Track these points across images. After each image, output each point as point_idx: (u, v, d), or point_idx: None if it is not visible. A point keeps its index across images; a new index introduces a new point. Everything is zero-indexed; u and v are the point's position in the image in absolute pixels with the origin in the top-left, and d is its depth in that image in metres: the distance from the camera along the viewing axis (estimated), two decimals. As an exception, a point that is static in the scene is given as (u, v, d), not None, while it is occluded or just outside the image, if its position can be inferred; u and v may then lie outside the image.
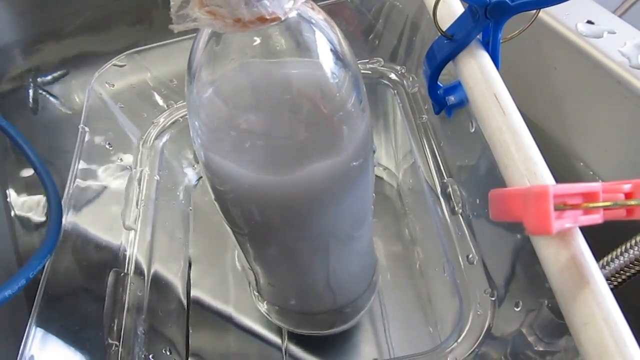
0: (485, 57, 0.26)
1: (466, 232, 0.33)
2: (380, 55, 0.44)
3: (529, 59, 0.45)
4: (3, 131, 0.31)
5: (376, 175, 0.45)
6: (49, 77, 0.55)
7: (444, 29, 0.27)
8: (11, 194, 0.45)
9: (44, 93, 0.53)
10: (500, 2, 0.24)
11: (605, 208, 0.18)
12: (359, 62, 0.44)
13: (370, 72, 0.43)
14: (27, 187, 0.46)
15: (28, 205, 0.45)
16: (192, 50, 0.23)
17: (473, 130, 0.33)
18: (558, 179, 0.41)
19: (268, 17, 0.20)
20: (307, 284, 0.33)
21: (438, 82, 0.30)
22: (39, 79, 0.55)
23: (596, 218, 0.18)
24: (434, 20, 0.27)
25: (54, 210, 0.28)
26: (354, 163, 0.25)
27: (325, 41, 0.23)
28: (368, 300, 0.38)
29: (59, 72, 0.55)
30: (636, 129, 0.39)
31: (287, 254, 0.30)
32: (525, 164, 0.22)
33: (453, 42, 0.27)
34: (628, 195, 0.19)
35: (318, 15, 0.23)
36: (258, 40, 0.22)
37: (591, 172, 0.43)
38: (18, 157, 0.46)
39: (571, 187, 0.18)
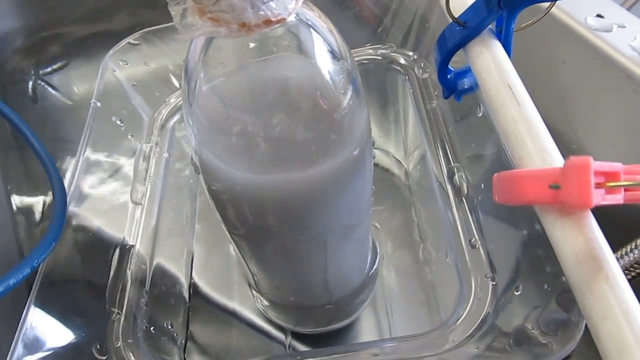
0: (498, 47, 0.26)
1: (470, 217, 0.33)
2: (392, 40, 0.44)
3: (537, 52, 0.45)
4: (5, 117, 0.31)
5: (383, 165, 0.45)
6: (49, 69, 0.55)
7: (456, 16, 0.28)
8: (13, 184, 0.45)
9: (43, 83, 0.53)
10: (515, -8, 0.25)
11: (626, 188, 0.18)
12: (371, 46, 0.44)
13: (381, 57, 0.43)
14: (29, 178, 0.46)
15: (30, 194, 0.45)
16: (189, 52, 0.23)
17: (480, 114, 0.34)
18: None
19: (274, 20, 0.20)
20: (305, 280, 0.33)
21: (449, 66, 0.30)
22: (40, 70, 0.55)
23: (618, 198, 0.18)
24: (446, 7, 0.27)
25: (59, 200, 0.28)
26: (352, 161, 0.25)
27: (321, 40, 0.23)
28: (369, 293, 0.38)
29: (59, 63, 0.55)
30: (646, 125, 0.39)
31: (284, 251, 0.30)
32: (541, 155, 0.22)
33: (465, 29, 0.27)
34: (647, 178, 0.19)
35: (313, 13, 0.23)
36: (255, 42, 0.22)
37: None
38: (20, 147, 0.47)
39: (599, 164, 0.18)
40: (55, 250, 0.28)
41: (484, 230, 0.32)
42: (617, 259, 0.29)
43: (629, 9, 0.63)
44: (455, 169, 0.35)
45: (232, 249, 0.40)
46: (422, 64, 0.42)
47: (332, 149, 0.24)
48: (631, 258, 0.29)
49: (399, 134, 0.45)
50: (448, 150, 0.37)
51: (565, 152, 0.44)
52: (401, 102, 0.44)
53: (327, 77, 0.23)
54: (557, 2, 0.26)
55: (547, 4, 0.27)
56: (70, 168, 0.45)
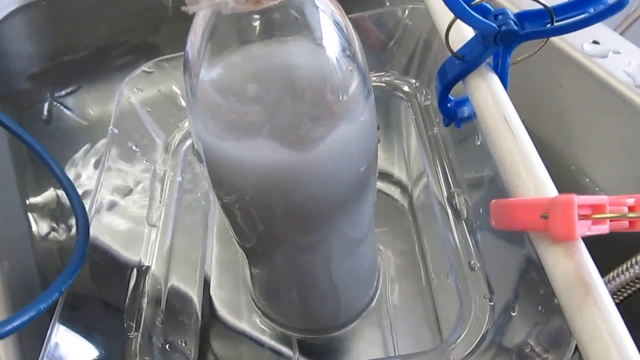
0: (495, 80, 0.28)
1: (469, 240, 0.35)
2: (395, 68, 0.45)
3: (536, 76, 0.46)
4: (28, 145, 0.33)
5: (387, 186, 0.46)
6: (63, 92, 0.57)
7: (455, 49, 0.29)
8: (32, 205, 0.47)
9: (58, 105, 0.55)
10: (510, 31, 0.26)
11: (612, 219, 0.20)
12: (374, 74, 0.46)
13: (384, 84, 0.44)
14: (47, 200, 0.47)
15: (49, 215, 0.46)
16: (190, 35, 0.23)
17: (479, 143, 0.35)
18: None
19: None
20: (308, 282, 0.34)
21: (449, 96, 0.32)
22: (55, 93, 0.56)
23: (604, 228, 0.20)
24: (446, 42, 0.29)
25: (82, 226, 0.29)
26: (356, 142, 0.25)
27: (328, 20, 0.23)
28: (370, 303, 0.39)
29: (73, 86, 0.57)
30: (641, 146, 0.40)
31: (288, 253, 0.31)
32: (535, 184, 0.23)
33: (464, 63, 0.29)
34: (631, 209, 0.20)
35: None
36: (258, 22, 0.22)
37: (597, 188, 0.44)
38: (36, 169, 0.48)
39: (584, 198, 0.19)
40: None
41: (482, 253, 0.34)
42: (607, 282, 0.31)
43: (622, 34, 0.65)
44: (456, 194, 0.37)
45: (243, 268, 0.41)
46: (424, 92, 0.43)
47: (338, 129, 0.24)
48: (622, 280, 0.31)
49: (402, 156, 0.47)
50: (449, 175, 0.38)
51: (565, 172, 0.46)
52: (404, 127, 0.45)
53: (333, 59, 0.23)
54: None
55: (541, 40, 0.28)
56: (86, 189, 0.47)
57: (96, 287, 0.31)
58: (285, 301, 0.37)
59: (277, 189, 0.25)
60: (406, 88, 0.44)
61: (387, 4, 0.64)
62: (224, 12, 0.20)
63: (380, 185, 0.46)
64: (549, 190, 0.23)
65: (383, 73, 0.45)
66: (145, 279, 0.34)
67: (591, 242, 0.21)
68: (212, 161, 0.25)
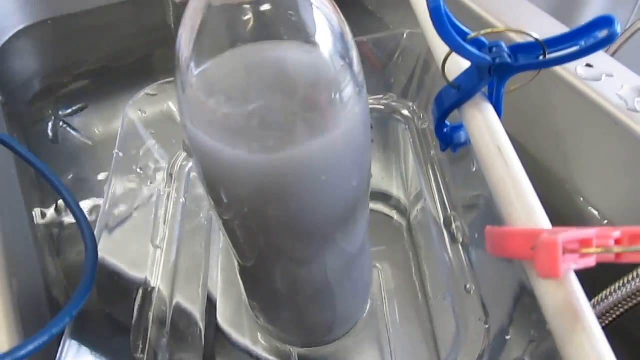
0: (489, 110, 0.29)
1: (465, 263, 0.36)
2: (393, 91, 0.46)
3: (531, 97, 0.47)
4: (39, 171, 0.34)
5: (384, 205, 0.47)
6: (69, 110, 0.58)
7: (451, 78, 0.30)
8: (39, 224, 0.47)
9: (64, 124, 0.56)
10: (504, 63, 0.27)
11: (598, 254, 0.21)
12: (373, 97, 0.47)
13: (383, 107, 0.45)
14: (54, 218, 0.48)
15: (55, 233, 0.47)
16: (180, 30, 0.23)
17: (474, 169, 0.36)
18: (559, 214, 0.44)
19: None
20: (298, 290, 0.33)
21: (445, 122, 0.33)
22: (59, 112, 0.57)
23: (590, 261, 0.21)
24: (442, 73, 0.30)
25: (90, 249, 0.30)
26: (348, 142, 0.25)
27: (321, 16, 0.23)
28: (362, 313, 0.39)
29: (78, 105, 0.58)
30: (633, 169, 0.41)
31: (277, 256, 0.30)
32: (527, 212, 0.24)
33: (459, 92, 0.29)
34: (617, 241, 0.21)
35: None
36: (249, 16, 0.22)
37: (590, 208, 0.45)
38: (43, 187, 0.49)
39: (570, 234, 0.20)
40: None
41: (478, 277, 0.34)
42: (597, 303, 0.31)
43: (613, 55, 0.66)
44: (452, 217, 0.38)
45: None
46: (422, 115, 0.44)
47: (328, 127, 0.24)
48: (611, 301, 0.31)
49: (400, 177, 0.47)
50: (445, 198, 0.39)
51: (560, 191, 0.46)
52: (402, 149, 0.46)
53: (325, 56, 0.23)
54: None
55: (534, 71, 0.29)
56: (91, 210, 0.47)
57: (103, 307, 0.32)
58: (277, 311, 0.37)
59: (265, 188, 0.25)
60: (404, 111, 0.45)
61: (390, 26, 0.66)
62: (214, 3, 0.21)
63: (379, 204, 0.47)
64: (541, 219, 0.24)
65: (381, 96, 0.46)
66: (150, 300, 0.35)
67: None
68: (200, 157, 0.25)
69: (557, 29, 0.49)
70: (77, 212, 0.31)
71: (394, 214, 0.46)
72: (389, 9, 0.66)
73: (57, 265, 0.44)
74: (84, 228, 0.30)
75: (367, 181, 0.30)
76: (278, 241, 0.29)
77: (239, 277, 0.36)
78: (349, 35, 0.25)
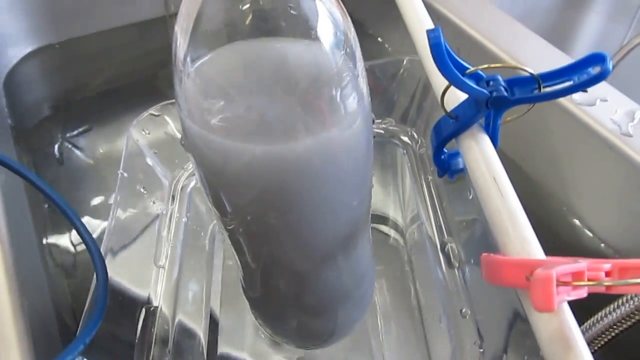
0: (485, 141, 0.30)
1: (461, 287, 0.36)
2: (393, 116, 0.47)
3: (528, 120, 0.47)
4: (49, 198, 0.34)
5: (382, 226, 0.48)
6: (75, 132, 0.59)
7: (449, 108, 0.31)
8: (48, 245, 0.48)
9: (70, 145, 0.57)
10: (501, 97, 0.28)
11: (590, 286, 0.22)
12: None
13: (382, 131, 0.46)
14: (62, 240, 0.49)
15: (64, 255, 0.48)
16: (177, 19, 0.23)
17: (471, 197, 0.37)
18: (556, 235, 0.45)
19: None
20: (299, 281, 0.32)
21: (443, 149, 0.34)
22: (66, 133, 0.58)
23: (582, 292, 0.21)
24: (441, 104, 0.31)
25: (101, 278, 0.31)
26: (347, 137, 0.25)
27: (323, 9, 0.23)
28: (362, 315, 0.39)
29: (83, 127, 0.59)
30: (627, 191, 0.42)
31: (277, 255, 0.30)
32: (521, 243, 0.25)
33: (457, 122, 0.30)
34: (608, 274, 0.22)
35: None
36: (248, 6, 0.21)
37: (586, 229, 0.46)
38: (52, 210, 0.50)
39: (564, 268, 0.21)
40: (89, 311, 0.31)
41: (473, 301, 0.35)
42: (589, 327, 0.32)
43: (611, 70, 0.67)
44: (448, 242, 0.39)
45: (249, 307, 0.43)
46: (420, 141, 0.45)
47: (329, 121, 0.23)
48: (604, 323, 0.32)
49: (398, 199, 0.48)
50: (442, 223, 0.40)
51: (556, 212, 0.47)
52: (400, 173, 0.47)
53: (327, 50, 0.23)
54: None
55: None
56: (95, 229, 0.48)
57: (107, 327, 0.33)
58: (278, 311, 0.37)
59: (265, 183, 0.24)
60: (402, 136, 0.46)
61: (389, 49, 0.67)
62: None
63: (376, 225, 0.48)
64: (535, 250, 0.25)
65: (380, 121, 0.47)
66: (153, 319, 0.36)
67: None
68: (197, 152, 0.25)
69: (552, 53, 0.50)
70: (88, 240, 0.32)
71: (391, 234, 0.47)
72: (389, 33, 0.68)
73: (65, 286, 0.45)
74: (95, 257, 0.31)
75: (368, 188, 0.30)
76: (278, 241, 0.29)
77: (241, 280, 0.36)
78: (350, 29, 0.24)
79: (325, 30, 0.23)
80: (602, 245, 0.45)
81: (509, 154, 0.52)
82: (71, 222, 0.33)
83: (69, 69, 0.66)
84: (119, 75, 0.66)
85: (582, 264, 0.21)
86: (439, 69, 0.27)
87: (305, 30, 0.22)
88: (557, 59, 0.49)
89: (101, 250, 0.33)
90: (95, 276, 0.31)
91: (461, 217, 0.40)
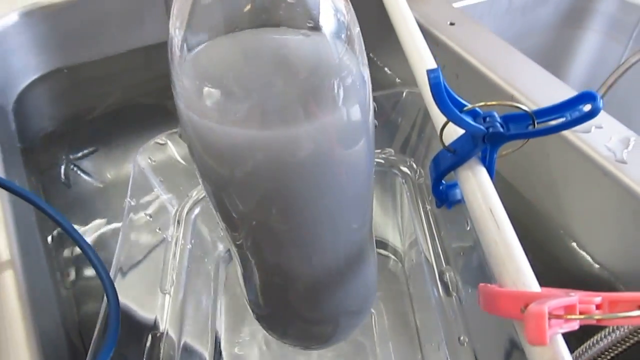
0: (482, 173, 0.31)
1: (458, 315, 0.37)
2: (393, 146, 0.48)
3: (526, 145, 0.49)
4: (60, 227, 0.35)
5: (381, 252, 0.49)
6: (80, 154, 0.60)
7: (448, 142, 0.32)
8: (58, 265, 0.49)
9: (75, 168, 0.58)
10: (497, 133, 0.29)
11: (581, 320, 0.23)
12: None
13: (382, 161, 0.47)
14: (71, 261, 0.50)
15: (72, 276, 0.49)
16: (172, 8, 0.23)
17: (468, 228, 0.38)
18: (554, 257, 0.46)
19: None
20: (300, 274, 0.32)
21: (442, 181, 0.35)
22: (71, 156, 0.59)
23: (574, 325, 0.22)
24: (440, 138, 0.32)
25: (113, 306, 0.32)
26: (348, 123, 0.25)
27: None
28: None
29: (89, 149, 0.60)
30: (622, 216, 0.43)
31: (276, 239, 0.29)
32: (516, 274, 0.26)
33: (455, 156, 0.32)
34: (598, 306, 0.23)
35: None
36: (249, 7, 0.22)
37: (583, 252, 0.47)
38: (61, 233, 0.51)
39: (556, 302, 0.22)
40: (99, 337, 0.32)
41: (471, 329, 0.36)
42: (582, 353, 0.33)
43: (609, 88, 0.68)
44: (446, 271, 0.40)
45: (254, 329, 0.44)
46: (418, 171, 0.46)
47: (329, 107, 0.23)
48: (596, 349, 0.33)
49: (397, 225, 0.49)
50: (440, 252, 0.41)
51: (553, 235, 0.48)
52: (399, 201, 0.48)
53: (327, 38, 0.23)
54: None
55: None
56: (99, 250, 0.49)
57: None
58: (278, 312, 0.36)
59: (262, 170, 0.24)
60: (402, 166, 0.47)
61: (398, 81, 0.68)
62: None
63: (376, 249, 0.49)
64: (529, 279, 0.26)
65: (380, 151, 0.48)
66: (159, 344, 0.36)
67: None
68: (193, 137, 0.25)
69: (548, 80, 0.51)
70: (101, 270, 0.33)
71: (390, 258, 0.48)
72: (398, 65, 0.69)
73: (74, 309, 0.46)
74: (107, 286, 0.32)
75: (369, 183, 0.30)
76: (278, 238, 0.28)
77: (240, 279, 0.36)
78: (354, 22, 0.24)
79: (326, 19, 0.23)
80: (598, 267, 0.46)
81: (507, 177, 0.53)
82: (83, 250, 0.34)
83: (76, 93, 0.67)
84: (125, 99, 0.67)
85: (574, 297, 0.22)
86: (439, 108, 0.28)
87: (304, 19, 0.23)
88: (552, 86, 0.50)
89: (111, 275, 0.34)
90: (104, 302, 0.32)
91: (459, 245, 0.41)
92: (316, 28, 0.22)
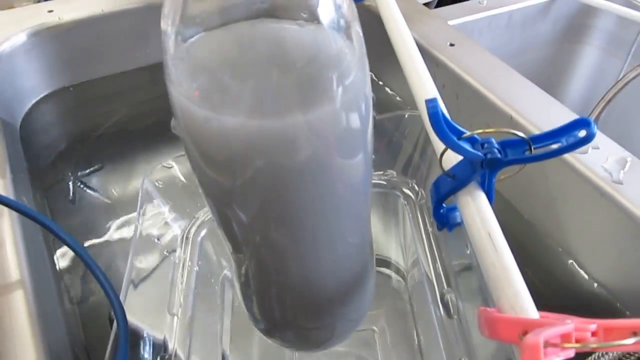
0: (481, 198, 0.32)
1: (459, 337, 0.38)
2: (395, 168, 0.49)
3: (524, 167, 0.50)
4: (65, 243, 0.36)
5: (384, 270, 0.50)
6: (87, 171, 0.61)
7: (447, 167, 0.33)
8: (65, 285, 0.50)
9: (81, 185, 0.59)
10: (494, 159, 0.30)
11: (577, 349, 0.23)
12: (374, 173, 0.49)
13: (384, 182, 0.48)
14: (77, 279, 0.51)
15: (78, 293, 0.50)
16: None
17: (468, 252, 0.39)
18: (552, 275, 0.46)
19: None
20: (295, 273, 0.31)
21: (442, 204, 0.36)
22: (77, 173, 0.60)
23: (570, 353, 0.23)
24: (440, 164, 0.33)
25: (122, 328, 0.32)
26: (346, 114, 0.24)
27: None
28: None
29: (95, 166, 0.61)
30: (619, 236, 0.43)
31: (267, 243, 0.29)
32: (514, 298, 0.27)
33: (455, 180, 0.33)
34: (594, 333, 0.24)
35: None
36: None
37: (581, 270, 0.48)
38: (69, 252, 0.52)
39: (552, 331, 0.23)
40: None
41: (472, 352, 0.37)
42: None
43: (608, 103, 0.69)
44: (447, 292, 0.40)
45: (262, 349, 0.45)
46: (420, 193, 0.47)
47: (325, 96, 0.23)
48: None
49: (399, 243, 0.50)
50: (441, 273, 0.41)
51: (552, 254, 0.49)
52: (401, 220, 0.49)
53: (325, 29, 0.22)
54: (539, 125, 0.31)
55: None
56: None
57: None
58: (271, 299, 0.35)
59: (254, 161, 0.23)
60: (404, 188, 0.48)
61: (398, 99, 0.70)
62: None
63: (379, 268, 0.49)
64: (526, 303, 0.27)
65: (382, 172, 0.49)
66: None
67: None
68: (188, 130, 0.24)
69: (545, 100, 0.52)
70: (111, 293, 0.33)
71: (393, 276, 0.49)
72: (398, 84, 0.71)
73: (80, 328, 0.46)
74: (114, 301, 0.33)
75: (367, 169, 0.29)
76: (268, 226, 0.27)
77: (236, 282, 0.36)
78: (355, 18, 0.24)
79: (324, 10, 0.22)
80: (596, 285, 0.47)
81: (507, 197, 0.54)
82: (93, 273, 0.35)
83: (82, 111, 0.68)
84: (131, 117, 0.68)
85: (570, 325, 0.23)
86: (437, 135, 0.29)
87: (303, 10, 0.23)
88: (550, 106, 0.51)
89: (120, 299, 0.35)
90: (114, 326, 0.33)
91: (460, 267, 0.41)
92: (314, 19, 0.22)
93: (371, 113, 0.26)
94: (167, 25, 0.23)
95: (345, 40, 0.23)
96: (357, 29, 0.24)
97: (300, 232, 0.28)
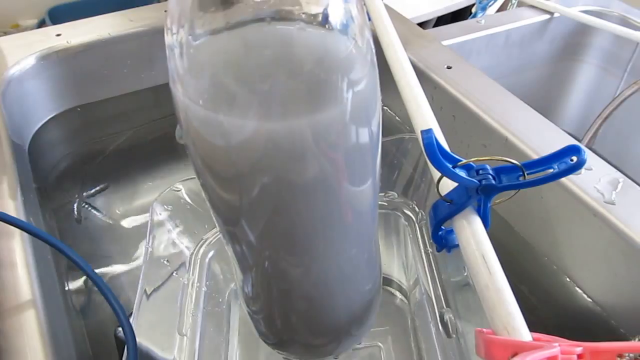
0: (476, 222, 0.33)
1: (458, 357, 0.39)
2: (396, 190, 0.51)
3: (520, 187, 0.51)
4: (77, 265, 0.38)
5: (387, 288, 0.51)
6: (92, 191, 0.62)
7: (444, 192, 0.35)
8: (73, 305, 0.51)
9: (86, 205, 0.60)
10: (489, 185, 0.31)
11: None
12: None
13: (386, 203, 0.50)
14: (85, 298, 0.52)
15: (87, 313, 0.51)
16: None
17: (465, 274, 0.40)
18: (547, 292, 0.48)
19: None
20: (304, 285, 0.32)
21: (441, 227, 0.37)
22: (83, 193, 0.62)
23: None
24: (437, 190, 0.34)
25: (131, 350, 0.34)
26: (354, 119, 0.24)
27: None
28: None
29: (100, 186, 0.63)
30: (611, 254, 0.45)
31: (275, 250, 0.29)
32: (507, 318, 0.28)
33: (452, 205, 0.34)
34: (580, 356, 0.25)
35: None
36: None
37: (576, 287, 0.49)
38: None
39: (539, 355, 0.24)
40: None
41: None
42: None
43: (605, 120, 0.70)
44: (446, 312, 0.42)
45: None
46: (420, 214, 0.49)
47: (334, 100, 0.23)
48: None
49: (401, 262, 0.51)
50: (440, 294, 0.43)
51: (547, 271, 0.50)
52: (402, 239, 0.50)
53: (334, 31, 0.23)
54: (533, 146, 0.33)
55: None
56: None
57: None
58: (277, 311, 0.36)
59: (260, 163, 0.24)
60: (404, 209, 0.50)
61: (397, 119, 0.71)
62: None
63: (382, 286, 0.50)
64: (518, 324, 0.28)
65: (383, 194, 0.50)
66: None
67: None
68: (193, 132, 0.24)
69: (540, 122, 0.53)
70: (120, 314, 0.35)
71: (396, 295, 0.50)
72: (397, 105, 0.72)
73: (88, 345, 0.48)
74: (123, 322, 0.34)
75: (374, 184, 0.30)
76: (274, 233, 0.28)
77: (242, 299, 0.37)
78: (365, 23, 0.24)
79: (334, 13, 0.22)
80: (590, 301, 0.48)
81: (504, 216, 0.55)
82: (104, 295, 0.36)
83: (89, 131, 0.70)
84: (136, 137, 0.70)
85: (556, 348, 0.24)
86: (433, 165, 0.30)
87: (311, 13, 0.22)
88: (544, 128, 0.52)
89: (131, 322, 0.36)
90: (125, 352, 0.34)
91: (458, 288, 0.43)
92: (323, 23, 0.22)
93: (380, 123, 0.27)
94: (174, 28, 0.23)
95: (355, 44, 0.24)
96: (367, 36, 0.24)
97: (308, 244, 0.29)
